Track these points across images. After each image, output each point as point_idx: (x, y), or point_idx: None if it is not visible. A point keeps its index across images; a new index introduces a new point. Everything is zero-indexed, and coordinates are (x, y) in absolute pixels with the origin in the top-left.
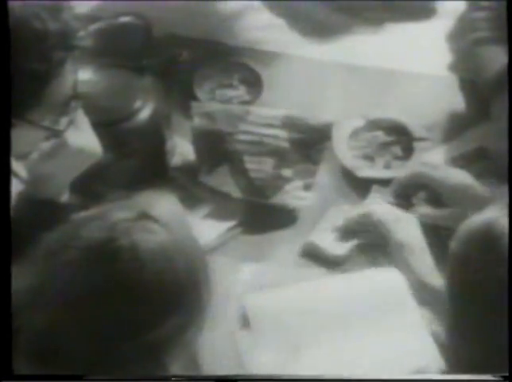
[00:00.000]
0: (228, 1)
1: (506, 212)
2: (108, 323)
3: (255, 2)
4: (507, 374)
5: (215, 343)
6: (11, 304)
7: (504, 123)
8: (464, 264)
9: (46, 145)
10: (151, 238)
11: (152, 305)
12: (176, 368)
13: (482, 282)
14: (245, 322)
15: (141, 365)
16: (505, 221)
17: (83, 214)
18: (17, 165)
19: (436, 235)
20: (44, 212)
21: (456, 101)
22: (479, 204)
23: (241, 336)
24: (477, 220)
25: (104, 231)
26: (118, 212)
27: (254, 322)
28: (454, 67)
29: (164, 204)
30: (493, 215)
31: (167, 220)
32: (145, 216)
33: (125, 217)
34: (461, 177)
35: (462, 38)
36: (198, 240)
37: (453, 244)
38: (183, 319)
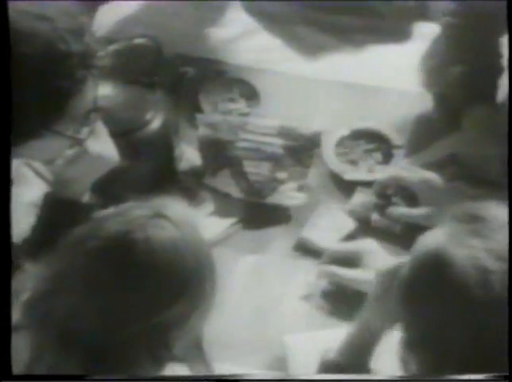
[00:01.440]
0: (230, 26)
1: (453, 236)
2: (122, 305)
3: (253, 26)
4: (507, 374)
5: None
6: (11, 304)
7: (473, 133)
8: (413, 294)
9: (70, 152)
10: (163, 233)
11: (161, 291)
12: (179, 350)
13: (430, 311)
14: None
15: (149, 344)
16: (453, 249)
17: (105, 211)
18: (44, 170)
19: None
20: (68, 210)
21: (429, 113)
22: (449, 203)
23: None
24: (423, 247)
25: (123, 225)
26: (136, 210)
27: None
28: (427, 83)
29: (175, 206)
30: (440, 241)
31: (177, 219)
32: (158, 214)
33: (141, 214)
34: (434, 179)
35: (434, 58)
36: (203, 237)
37: (404, 271)
38: (188, 305)
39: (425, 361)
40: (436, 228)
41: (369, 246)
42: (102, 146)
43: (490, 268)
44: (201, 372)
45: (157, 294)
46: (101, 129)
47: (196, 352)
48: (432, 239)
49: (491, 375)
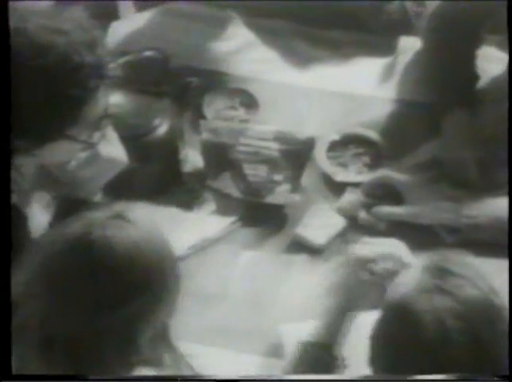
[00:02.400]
0: (231, 40)
1: (419, 289)
2: (88, 301)
3: (252, 40)
4: (507, 374)
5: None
6: (11, 305)
7: (452, 138)
8: (385, 342)
9: (82, 155)
10: (122, 233)
11: (123, 287)
12: (144, 340)
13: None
14: (278, 351)
15: (117, 335)
16: (416, 302)
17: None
18: (58, 172)
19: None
20: (81, 209)
21: (412, 120)
22: (431, 202)
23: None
24: (392, 296)
25: (83, 227)
26: (96, 212)
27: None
28: (410, 92)
29: (136, 208)
30: (407, 292)
31: (137, 220)
32: (118, 216)
33: (100, 216)
34: (414, 180)
35: (416, 69)
36: (167, 239)
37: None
38: (151, 300)
39: None
40: (407, 278)
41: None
42: (113, 150)
43: (449, 327)
44: (170, 364)
45: (119, 290)
46: (112, 134)
47: (163, 344)
48: (400, 290)
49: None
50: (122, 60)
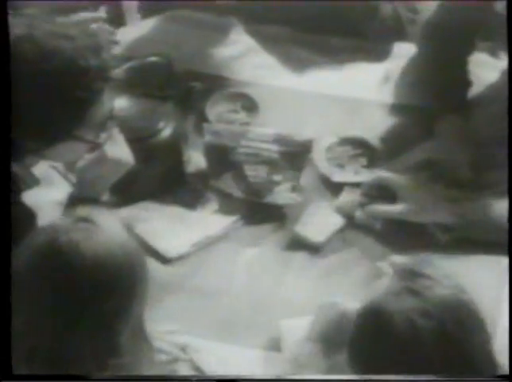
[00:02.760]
0: (232, 46)
1: (390, 292)
2: (67, 300)
3: (252, 46)
4: (507, 374)
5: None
6: (11, 305)
7: (445, 140)
8: (356, 337)
9: (89, 155)
10: (87, 235)
11: (95, 287)
12: (124, 336)
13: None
14: (278, 345)
15: (99, 331)
16: (388, 303)
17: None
18: (66, 172)
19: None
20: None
21: (407, 123)
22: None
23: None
24: (366, 302)
25: (49, 234)
26: (61, 219)
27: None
28: (405, 96)
29: (102, 211)
30: (380, 294)
31: (103, 221)
32: (82, 219)
33: (65, 221)
34: (409, 180)
35: (411, 75)
36: (132, 240)
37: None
38: (125, 297)
39: None
40: (380, 281)
41: None
42: (119, 151)
43: (419, 325)
44: (148, 359)
45: (91, 291)
46: (118, 135)
47: (140, 339)
48: (373, 291)
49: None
50: (127, 64)
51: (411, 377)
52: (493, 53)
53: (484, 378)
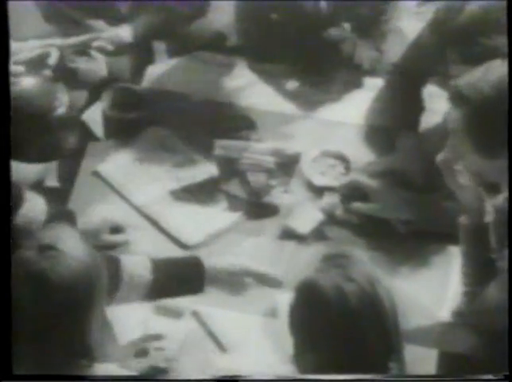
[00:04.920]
0: (238, 79)
1: (320, 269)
2: (43, 313)
3: (254, 79)
4: (507, 374)
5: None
6: (11, 305)
7: (403, 153)
8: (295, 312)
9: None
10: (57, 263)
11: (66, 298)
12: (94, 335)
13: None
14: (274, 313)
15: (68, 341)
16: (319, 277)
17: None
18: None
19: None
20: None
21: (375, 139)
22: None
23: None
24: (299, 276)
25: (17, 265)
26: (26, 249)
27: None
28: (374, 119)
29: (67, 238)
30: (311, 273)
31: (69, 249)
32: (49, 247)
33: (30, 252)
34: (377, 184)
35: (379, 102)
36: (96, 257)
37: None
38: (88, 302)
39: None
40: (309, 264)
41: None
42: None
43: (345, 289)
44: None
45: (60, 303)
46: None
47: (107, 332)
48: (305, 271)
49: (491, 375)
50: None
51: (411, 377)
52: (442, 86)
53: (484, 378)
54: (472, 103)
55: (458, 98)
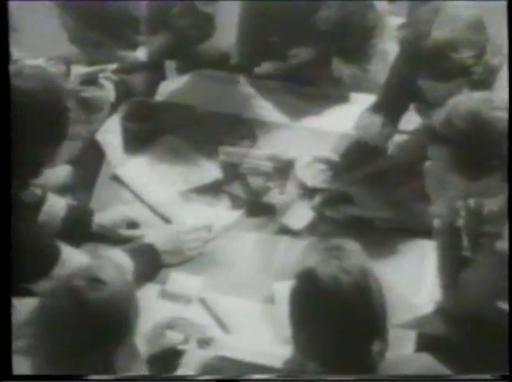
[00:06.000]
0: (240, 94)
1: (319, 260)
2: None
3: (254, 94)
4: (507, 374)
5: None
6: (11, 305)
7: (385, 162)
8: (296, 301)
9: None
10: (99, 295)
11: (103, 325)
12: (120, 359)
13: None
14: (272, 299)
15: (110, 356)
16: (318, 268)
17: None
18: None
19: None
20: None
21: (360, 146)
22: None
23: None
24: (300, 266)
25: (68, 293)
26: (76, 279)
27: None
28: (359, 130)
29: (111, 270)
30: (311, 263)
31: (111, 279)
32: (95, 280)
33: (78, 282)
34: (362, 187)
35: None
36: (134, 289)
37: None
38: (124, 330)
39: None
40: (310, 255)
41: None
42: None
43: (341, 279)
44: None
45: (97, 328)
46: None
47: (134, 357)
48: (305, 262)
49: (491, 375)
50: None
51: (411, 377)
52: (420, 113)
53: (484, 378)
54: (450, 141)
55: (436, 138)
